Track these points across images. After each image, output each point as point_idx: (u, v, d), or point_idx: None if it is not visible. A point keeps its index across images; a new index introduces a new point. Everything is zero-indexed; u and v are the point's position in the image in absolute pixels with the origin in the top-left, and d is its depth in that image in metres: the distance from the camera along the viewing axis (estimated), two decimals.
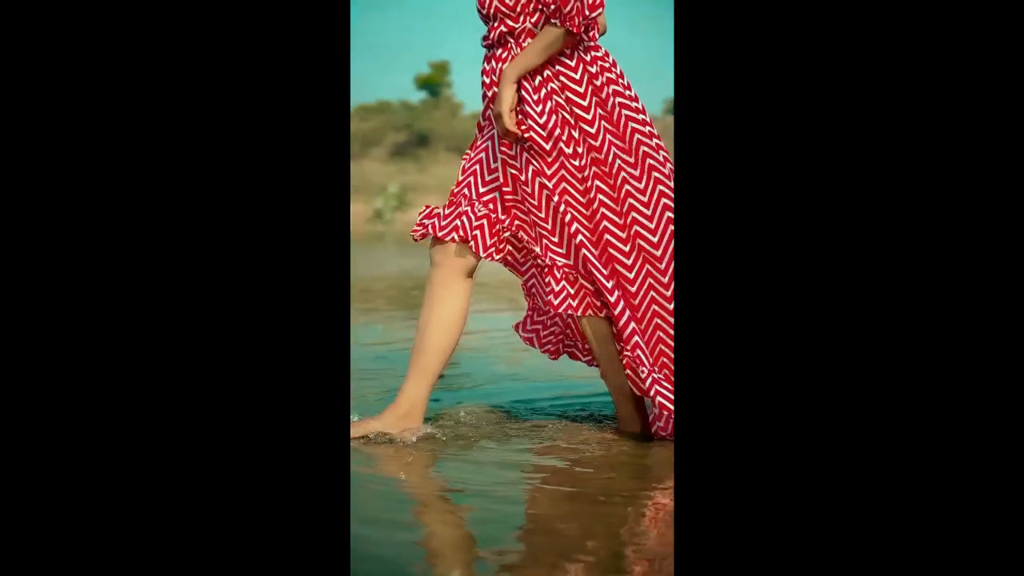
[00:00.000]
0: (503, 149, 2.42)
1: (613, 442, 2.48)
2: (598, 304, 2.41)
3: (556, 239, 2.39)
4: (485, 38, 2.47)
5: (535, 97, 2.37)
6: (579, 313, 2.41)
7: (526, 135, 2.36)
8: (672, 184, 2.39)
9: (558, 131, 2.36)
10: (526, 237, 2.42)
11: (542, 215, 2.38)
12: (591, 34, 2.41)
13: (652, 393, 2.34)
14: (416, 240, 2.50)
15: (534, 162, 2.37)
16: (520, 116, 2.37)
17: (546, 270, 2.40)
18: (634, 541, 1.75)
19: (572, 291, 2.39)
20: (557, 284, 2.38)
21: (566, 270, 2.39)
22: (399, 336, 4.70)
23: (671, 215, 2.38)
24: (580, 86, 2.38)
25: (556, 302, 2.39)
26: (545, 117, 2.36)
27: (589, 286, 2.40)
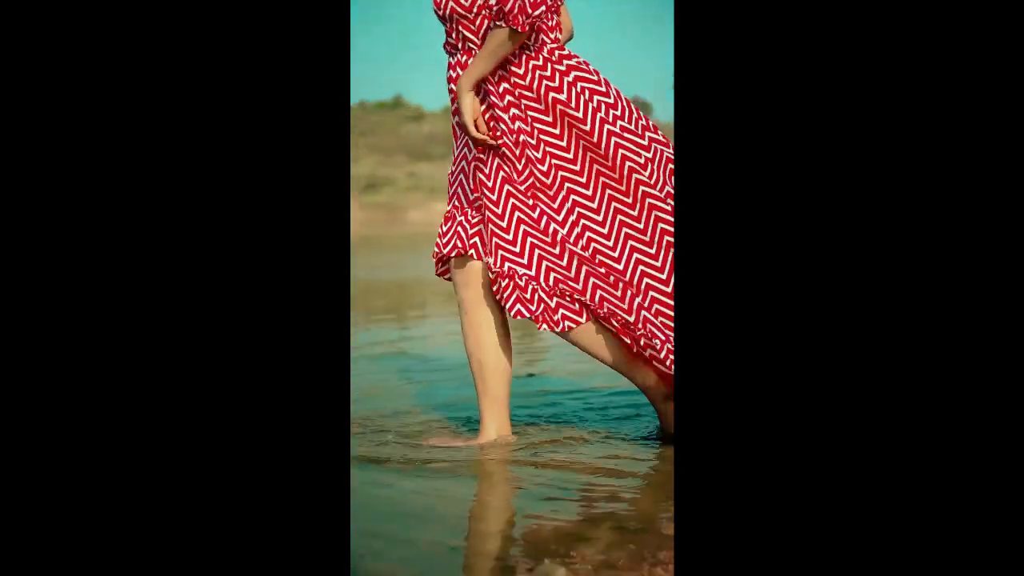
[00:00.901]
0: (477, 154, 2.37)
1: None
2: (576, 309, 2.32)
3: (516, 249, 2.31)
4: (446, 43, 2.41)
5: (502, 103, 2.32)
6: (559, 329, 2.32)
7: (499, 141, 2.31)
8: (650, 170, 2.32)
9: (524, 137, 2.31)
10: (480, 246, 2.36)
11: (503, 224, 2.31)
12: (552, 36, 2.34)
13: (668, 364, 2.26)
14: (438, 275, 2.49)
15: (504, 168, 2.32)
16: (492, 122, 2.32)
17: (501, 279, 2.30)
18: None
19: (539, 303, 2.31)
20: (520, 292, 2.30)
21: (527, 278, 2.30)
22: None
23: (645, 190, 2.31)
24: (531, 91, 2.31)
25: (520, 310, 2.30)
26: (512, 123, 2.30)
27: (567, 302, 2.31)
